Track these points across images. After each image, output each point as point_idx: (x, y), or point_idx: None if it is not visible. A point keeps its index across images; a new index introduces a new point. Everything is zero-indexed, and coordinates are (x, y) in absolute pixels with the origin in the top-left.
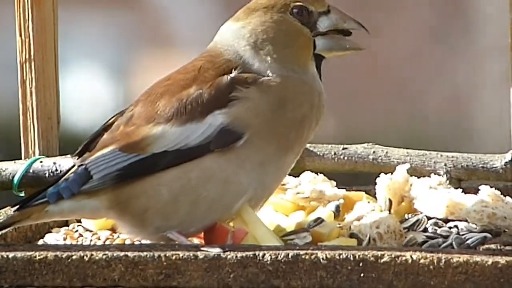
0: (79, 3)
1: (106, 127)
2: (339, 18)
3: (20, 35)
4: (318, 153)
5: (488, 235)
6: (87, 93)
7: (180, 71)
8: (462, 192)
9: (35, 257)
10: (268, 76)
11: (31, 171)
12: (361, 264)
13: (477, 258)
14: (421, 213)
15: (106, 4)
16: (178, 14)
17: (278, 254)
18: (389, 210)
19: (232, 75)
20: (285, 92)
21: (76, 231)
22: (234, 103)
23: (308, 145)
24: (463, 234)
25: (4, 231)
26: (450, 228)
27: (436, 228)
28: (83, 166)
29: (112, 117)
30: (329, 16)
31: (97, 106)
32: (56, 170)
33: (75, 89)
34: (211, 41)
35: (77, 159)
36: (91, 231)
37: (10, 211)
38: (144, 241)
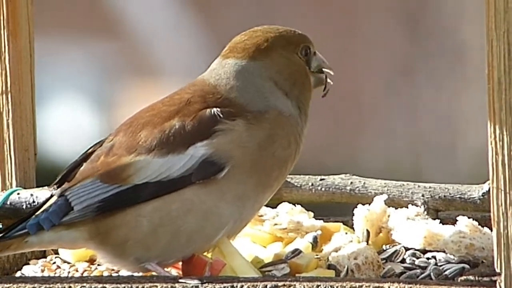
0: (63, 33)
1: (85, 157)
2: (321, 59)
3: None
4: (296, 184)
5: (466, 266)
6: (69, 124)
7: (165, 102)
8: (440, 222)
9: None
10: (264, 112)
11: (8, 202)
12: None
13: None
14: (399, 244)
15: (90, 35)
16: (162, 44)
17: (256, 285)
18: (367, 241)
19: (218, 108)
20: (276, 130)
21: (54, 262)
22: (218, 134)
23: None
24: (441, 265)
25: None
26: (428, 259)
27: (414, 259)
28: (64, 197)
29: (91, 147)
30: (317, 57)
31: (80, 137)
32: (34, 201)
33: (57, 120)
34: (195, 71)
35: (56, 189)
36: (69, 262)
37: None
38: (122, 273)
